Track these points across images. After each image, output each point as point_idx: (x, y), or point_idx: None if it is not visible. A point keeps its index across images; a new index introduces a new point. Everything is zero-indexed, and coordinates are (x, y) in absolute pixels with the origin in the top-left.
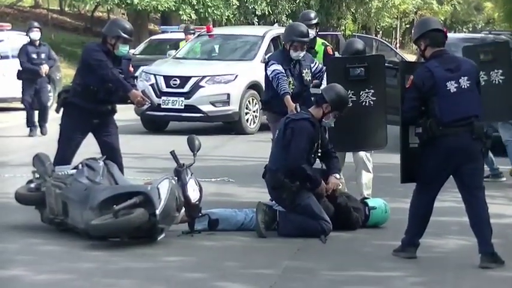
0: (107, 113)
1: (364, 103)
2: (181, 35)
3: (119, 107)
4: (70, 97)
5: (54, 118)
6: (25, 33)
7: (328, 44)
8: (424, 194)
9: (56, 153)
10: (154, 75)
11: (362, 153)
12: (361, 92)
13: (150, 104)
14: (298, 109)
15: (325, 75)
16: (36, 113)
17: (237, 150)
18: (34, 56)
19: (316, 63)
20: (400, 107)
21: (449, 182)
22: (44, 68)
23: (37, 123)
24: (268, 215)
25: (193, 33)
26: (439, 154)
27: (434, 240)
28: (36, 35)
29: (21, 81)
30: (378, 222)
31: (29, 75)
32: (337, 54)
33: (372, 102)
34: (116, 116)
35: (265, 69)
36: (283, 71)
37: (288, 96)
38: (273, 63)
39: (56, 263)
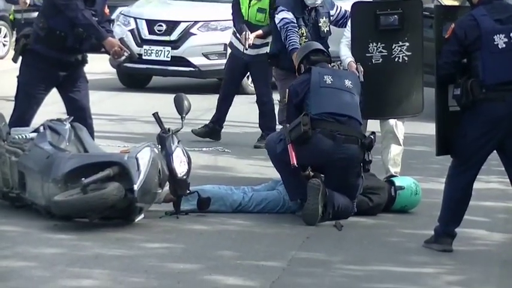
0: (76, 64)
1: (397, 59)
2: None
3: (90, 56)
4: (31, 44)
5: (11, 69)
6: None
7: None
8: (462, 172)
9: (13, 112)
10: (135, 18)
11: (392, 121)
12: (394, 46)
13: (129, 55)
14: None
15: (349, 23)
16: None
17: (234, 113)
18: None
19: (337, 8)
20: (435, 63)
21: (494, 159)
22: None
23: None
24: (324, 196)
25: None
26: (481, 123)
27: (474, 230)
28: None
29: None
30: (405, 205)
31: None
32: None
33: (406, 58)
34: (87, 68)
35: (273, 16)
36: (294, 21)
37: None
38: (282, 10)
39: (10, 247)
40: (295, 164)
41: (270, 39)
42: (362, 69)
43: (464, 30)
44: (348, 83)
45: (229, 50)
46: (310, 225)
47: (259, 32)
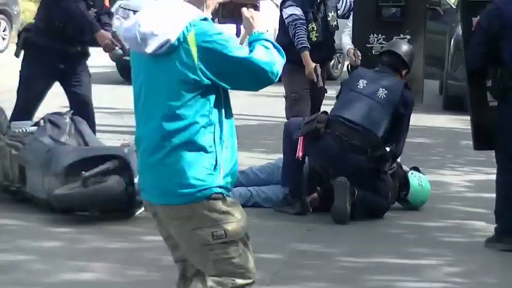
0: (77, 55)
1: None
2: None
3: (93, 51)
4: (32, 36)
5: (11, 62)
6: None
7: None
8: (508, 165)
9: (15, 106)
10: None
11: None
12: (395, 38)
13: (120, 49)
14: (319, 72)
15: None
16: None
17: (236, 106)
18: None
19: (344, 1)
20: (463, 56)
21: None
22: None
23: None
24: (352, 195)
25: None
26: None
27: (474, 222)
28: None
29: None
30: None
31: None
32: None
33: None
34: (89, 62)
35: (281, 10)
36: (303, 16)
37: (306, 53)
38: (290, 5)
39: (11, 240)
40: (300, 156)
41: None
42: (359, 54)
43: (488, 20)
44: (381, 92)
45: None
46: (340, 224)
47: None
